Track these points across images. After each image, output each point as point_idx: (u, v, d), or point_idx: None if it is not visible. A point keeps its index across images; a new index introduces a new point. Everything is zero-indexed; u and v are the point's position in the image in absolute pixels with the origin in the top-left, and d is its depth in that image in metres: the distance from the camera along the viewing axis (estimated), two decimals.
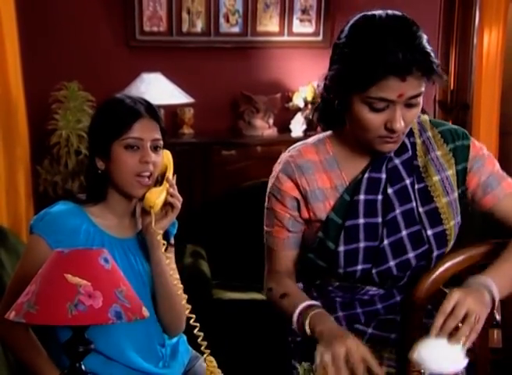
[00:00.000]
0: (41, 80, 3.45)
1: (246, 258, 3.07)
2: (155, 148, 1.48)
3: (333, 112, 1.35)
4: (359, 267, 1.34)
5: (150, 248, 1.50)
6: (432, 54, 1.24)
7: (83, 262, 1.11)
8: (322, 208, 1.36)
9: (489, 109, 3.83)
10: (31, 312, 1.07)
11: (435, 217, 1.35)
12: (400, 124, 1.25)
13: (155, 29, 3.66)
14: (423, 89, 1.25)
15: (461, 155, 1.38)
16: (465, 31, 3.83)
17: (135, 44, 3.65)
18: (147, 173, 1.45)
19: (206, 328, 1.45)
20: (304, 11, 3.77)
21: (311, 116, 1.50)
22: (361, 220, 1.34)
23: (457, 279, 1.37)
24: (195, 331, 1.39)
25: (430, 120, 1.41)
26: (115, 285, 1.11)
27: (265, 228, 1.45)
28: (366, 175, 1.35)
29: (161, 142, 1.50)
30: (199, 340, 1.38)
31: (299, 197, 1.37)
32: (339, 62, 1.28)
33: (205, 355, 1.40)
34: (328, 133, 1.41)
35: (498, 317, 1.44)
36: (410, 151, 1.36)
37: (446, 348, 1.17)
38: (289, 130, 3.75)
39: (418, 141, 1.38)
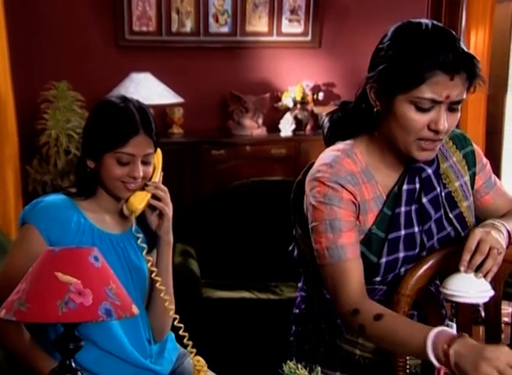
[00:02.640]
0: (30, 79, 3.44)
1: (235, 258, 3.09)
2: (146, 161, 1.49)
3: (361, 119, 1.35)
4: (394, 273, 1.37)
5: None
6: (478, 64, 1.27)
7: (74, 260, 1.12)
8: (366, 220, 1.35)
9: (476, 109, 3.86)
10: (22, 310, 1.08)
11: (462, 221, 1.40)
12: (444, 125, 1.26)
13: (144, 29, 3.66)
14: (465, 96, 1.28)
15: (471, 160, 1.44)
16: None
17: (124, 43, 3.65)
18: (134, 185, 1.47)
19: (195, 327, 1.46)
20: (293, 11, 3.79)
21: (324, 128, 1.43)
22: (402, 232, 1.35)
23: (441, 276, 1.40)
24: (180, 332, 1.40)
25: None
26: (105, 283, 1.12)
27: (325, 245, 1.31)
28: (405, 187, 1.35)
29: (153, 153, 1.51)
30: (185, 340, 1.40)
31: (356, 203, 1.33)
32: (385, 62, 1.27)
33: (192, 355, 1.41)
34: (351, 142, 1.38)
35: (483, 314, 1.47)
36: (435, 161, 1.39)
37: (473, 280, 1.27)
38: (278, 130, 3.77)
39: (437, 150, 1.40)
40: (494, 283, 1.41)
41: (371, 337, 1.28)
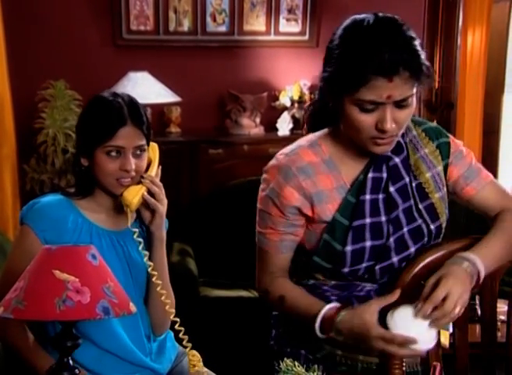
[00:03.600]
0: (28, 78, 3.44)
1: (232, 256, 3.09)
2: (138, 153, 1.49)
3: (327, 112, 1.37)
4: (364, 265, 1.36)
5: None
6: (422, 55, 1.26)
7: (71, 258, 1.12)
8: (326, 210, 1.35)
9: (473, 108, 3.87)
10: (19, 308, 1.08)
11: (432, 212, 1.40)
12: (389, 125, 1.26)
13: (142, 28, 3.66)
14: (413, 91, 1.27)
15: (444, 151, 1.43)
16: (449, 32, 3.87)
17: (122, 43, 3.65)
18: (127, 179, 1.47)
19: (193, 325, 1.47)
20: (291, 10, 3.79)
21: (302, 117, 1.48)
22: (368, 220, 1.35)
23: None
24: (176, 326, 1.41)
25: (412, 119, 1.42)
26: (103, 281, 1.13)
27: (258, 228, 1.42)
28: (370, 175, 1.36)
29: (145, 146, 1.50)
30: (180, 334, 1.40)
31: (301, 202, 1.35)
32: (331, 64, 1.30)
33: (187, 349, 1.41)
34: (318, 134, 1.41)
35: (479, 312, 1.47)
36: (405, 151, 1.39)
37: (424, 327, 1.26)
38: (276, 129, 3.77)
39: (407, 140, 1.41)
40: (491, 281, 1.42)
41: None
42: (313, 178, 1.35)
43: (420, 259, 1.37)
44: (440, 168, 1.42)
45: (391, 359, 1.34)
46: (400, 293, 1.32)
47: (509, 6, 3.88)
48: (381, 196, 1.37)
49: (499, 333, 1.60)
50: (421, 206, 1.39)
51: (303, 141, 1.41)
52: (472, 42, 3.82)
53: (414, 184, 1.39)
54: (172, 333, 1.65)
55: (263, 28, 3.77)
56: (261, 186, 1.40)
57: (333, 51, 1.30)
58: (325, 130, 1.41)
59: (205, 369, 1.45)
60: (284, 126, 3.75)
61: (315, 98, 1.46)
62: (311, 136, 1.41)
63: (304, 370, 1.18)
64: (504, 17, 3.97)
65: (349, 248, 1.34)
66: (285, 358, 1.33)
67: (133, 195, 1.47)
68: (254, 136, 3.66)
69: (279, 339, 1.48)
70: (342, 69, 1.26)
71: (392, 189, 1.36)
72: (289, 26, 3.80)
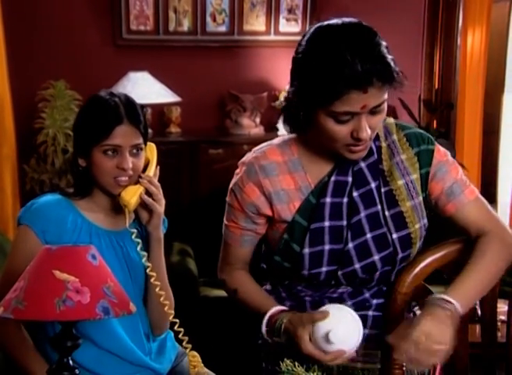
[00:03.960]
0: (28, 78, 3.44)
1: None
2: (135, 152, 1.48)
3: (297, 118, 1.35)
4: (323, 269, 1.35)
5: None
6: (392, 62, 1.23)
7: (71, 258, 1.12)
8: (287, 210, 1.35)
9: (473, 109, 3.87)
10: (19, 308, 1.08)
11: (400, 221, 1.35)
12: (366, 133, 1.25)
13: (142, 28, 3.66)
14: (385, 97, 1.25)
15: (425, 159, 1.37)
16: (449, 32, 3.87)
17: (122, 42, 3.65)
18: (125, 178, 1.47)
19: (193, 325, 1.47)
20: (290, 10, 3.79)
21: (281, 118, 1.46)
22: (327, 223, 1.34)
23: (438, 273, 1.40)
24: (175, 327, 1.41)
25: (396, 123, 1.40)
26: (103, 281, 1.13)
27: (224, 220, 1.46)
28: (333, 178, 1.34)
29: (142, 145, 1.50)
30: (180, 335, 1.40)
31: (260, 200, 1.36)
32: (299, 78, 1.28)
33: (188, 350, 1.41)
34: (294, 135, 1.40)
35: (479, 312, 1.48)
36: (375, 155, 1.36)
37: (358, 329, 1.28)
38: (276, 129, 3.77)
39: (384, 145, 1.37)
40: None
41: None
42: (274, 177, 1.35)
43: (420, 260, 1.37)
44: (416, 176, 1.37)
45: (392, 359, 1.34)
46: (402, 293, 1.33)
47: (509, 6, 3.88)
48: (345, 200, 1.34)
49: (499, 334, 1.60)
50: (387, 213, 1.35)
51: (276, 139, 1.42)
52: (472, 42, 3.82)
53: (382, 190, 1.35)
54: (172, 333, 1.65)
55: (263, 28, 3.77)
56: (232, 179, 1.43)
57: (301, 63, 1.27)
58: (300, 134, 1.39)
59: (206, 370, 1.45)
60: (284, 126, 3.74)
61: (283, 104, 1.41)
62: (287, 136, 1.42)
63: (303, 370, 1.18)
64: (504, 17, 3.97)
65: (306, 250, 1.33)
66: (285, 359, 1.33)
67: (131, 195, 1.47)
68: (254, 136, 3.66)
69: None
70: (313, 83, 1.23)
71: (355, 194, 1.34)
72: (289, 26, 3.80)
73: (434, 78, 3.94)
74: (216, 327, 2.80)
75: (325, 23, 1.29)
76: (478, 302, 1.49)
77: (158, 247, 1.54)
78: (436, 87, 3.95)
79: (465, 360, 1.41)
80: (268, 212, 1.37)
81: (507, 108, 4.07)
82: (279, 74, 3.80)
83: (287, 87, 1.34)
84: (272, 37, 3.78)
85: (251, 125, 3.68)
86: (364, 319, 1.36)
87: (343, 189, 1.35)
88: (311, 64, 1.25)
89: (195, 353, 1.43)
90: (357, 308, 1.36)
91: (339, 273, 1.35)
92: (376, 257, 1.35)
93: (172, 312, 1.47)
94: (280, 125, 3.79)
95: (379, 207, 1.34)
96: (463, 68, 3.86)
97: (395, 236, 1.35)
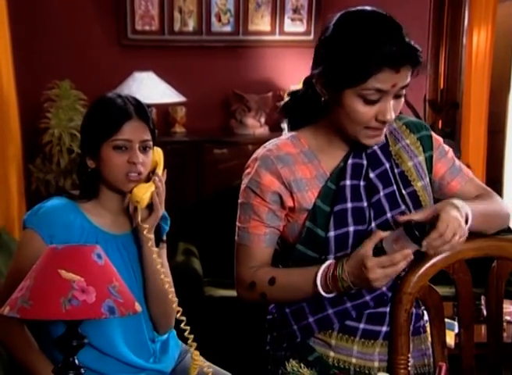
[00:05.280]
0: (33, 78, 3.45)
1: None
2: (144, 149, 1.49)
3: (306, 107, 1.38)
4: (349, 251, 1.35)
5: (141, 243, 1.52)
6: (418, 50, 1.29)
7: (77, 258, 1.12)
8: (307, 198, 1.36)
9: (478, 108, 3.86)
10: (25, 307, 1.09)
11: (416, 199, 1.40)
12: (391, 115, 1.29)
13: (147, 28, 3.67)
14: (409, 80, 1.30)
15: (427, 143, 1.44)
16: (455, 31, 3.86)
17: (127, 42, 3.66)
18: (136, 174, 1.47)
19: (198, 325, 1.46)
20: (296, 10, 3.79)
21: (280, 113, 1.49)
22: (349, 204, 1.36)
23: (444, 274, 1.40)
24: (182, 325, 1.41)
25: None
26: (108, 280, 1.13)
27: (239, 224, 1.42)
28: (350, 161, 1.37)
29: (151, 142, 1.51)
30: (186, 333, 1.40)
31: (280, 189, 1.36)
32: (330, 58, 1.30)
33: (192, 348, 1.41)
34: (297, 131, 1.42)
35: (485, 313, 1.47)
36: (384, 139, 1.40)
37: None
38: (281, 129, 3.76)
39: (387, 132, 1.42)
40: (496, 281, 1.41)
41: (274, 299, 1.40)
42: (291, 167, 1.36)
43: (425, 260, 1.36)
44: (422, 158, 1.43)
45: (397, 358, 1.34)
46: (407, 292, 1.33)
47: None
48: (362, 183, 1.38)
49: (504, 334, 1.60)
50: (404, 192, 1.39)
51: (282, 136, 1.44)
52: (478, 41, 3.81)
53: (396, 171, 1.40)
54: (174, 332, 1.65)
55: (268, 28, 3.77)
56: (242, 181, 1.42)
57: (331, 44, 1.30)
58: (304, 129, 1.42)
59: (211, 369, 1.45)
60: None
61: (292, 94, 1.45)
62: (289, 133, 1.43)
63: (309, 371, 1.18)
64: (510, 16, 3.96)
65: (332, 233, 1.34)
66: (290, 359, 1.33)
67: (144, 192, 1.48)
68: (259, 136, 3.66)
69: (274, 343, 1.46)
70: (348, 60, 1.26)
71: (372, 175, 1.38)
72: (294, 26, 3.80)
73: (439, 78, 3.93)
74: (221, 327, 2.80)
75: (352, 9, 1.33)
76: (483, 303, 1.48)
77: (147, 246, 1.52)
78: (442, 86, 3.94)
79: (471, 361, 1.41)
80: (290, 202, 1.37)
81: None
82: (284, 74, 3.80)
83: (294, 86, 1.36)
84: (277, 37, 3.78)
85: (256, 125, 3.68)
86: (382, 316, 1.38)
87: (359, 171, 1.38)
88: (344, 42, 1.27)
89: (197, 352, 1.42)
90: (375, 303, 1.37)
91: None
92: None
93: (180, 308, 1.47)
94: (285, 125, 3.78)
95: (395, 187, 1.39)
96: (468, 67, 3.85)
97: (409, 213, 1.38)
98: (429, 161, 1.43)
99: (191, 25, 3.70)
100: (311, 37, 3.80)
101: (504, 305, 1.45)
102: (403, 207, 1.38)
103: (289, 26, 3.79)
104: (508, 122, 4.11)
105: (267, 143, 1.42)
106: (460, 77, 3.89)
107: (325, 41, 1.32)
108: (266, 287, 1.38)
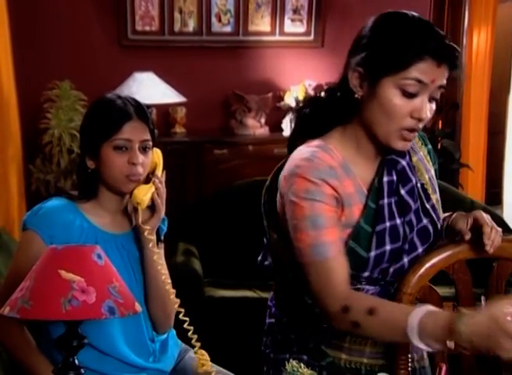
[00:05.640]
0: (33, 79, 3.45)
1: (237, 257, 3.09)
2: (144, 149, 1.50)
3: (332, 111, 1.35)
4: (380, 268, 1.35)
5: (141, 244, 1.53)
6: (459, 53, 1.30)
7: (77, 258, 1.12)
8: (352, 214, 1.33)
9: (478, 109, 3.87)
10: (25, 308, 1.09)
11: (436, 212, 1.41)
12: (426, 114, 1.28)
13: (147, 28, 3.67)
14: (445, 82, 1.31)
15: (433, 157, 1.46)
16: (455, 32, 3.86)
17: (127, 43, 3.66)
18: (135, 175, 1.48)
19: (198, 325, 1.46)
20: (296, 11, 3.79)
21: (294, 124, 1.44)
22: (387, 223, 1.35)
23: (443, 275, 1.40)
24: (185, 325, 1.40)
25: None
26: (108, 281, 1.13)
27: (308, 241, 1.28)
28: (385, 179, 1.35)
29: (150, 143, 1.51)
30: (189, 333, 1.40)
31: (337, 200, 1.31)
32: (374, 44, 1.28)
33: (196, 349, 1.41)
34: (322, 140, 1.35)
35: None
36: (407, 153, 1.40)
37: None
38: (281, 130, 3.77)
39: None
40: (497, 282, 1.41)
41: (368, 332, 1.26)
42: (338, 180, 1.30)
43: (425, 260, 1.37)
44: (433, 171, 1.44)
45: (397, 359, 1.34)
46: (407, 293, 1.32)
47: None
48: (393, 199, 1.36)
49: None
50: (428, 205, 1.39)
51: (309, 147, 1.33)
52: (478, 42, 3.81)
53: (418, 185, 1.40)
54: (174, 331, 1.65)
55: (268, 28, 3.77)
56: (290, 196, 1.29)
57: (371, 36, 1.29)
58: (329, 135, 1.37)
59: (214, 369, 1.45)
60: (289, 126, 3.74)
61: (312, 100, 1.42)
62: (314, 142, 1.35)
63: (310, 371, 1.18)
64: (510, 17, 3.96)
65: (372, 253, 1.32)
66: (290, 360, 1.32)
67: (144, 193, 1.48)
68: (259, 136, 3.67)
69: (279, 346, 1.45)
70: (389, 48, 1.25)
71: (403, 191, 1.36)
72: (294, 27, 3.80)
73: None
74: (221, 328, 2.80)
75: (389, 11, 1.32)
76: (483, 303, 1.48)
77: (148, 247, 1.51)
78: None
79: (471, 361, 1.41)
80: (341, 216, 1.31)
81: None
82: (284, 74, 3.80)
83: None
84: (277, 37, 3.78)
85: (256, 125, 3.69)
86: None
87: (392, 188, 1.37)
88: (391, 30, 1.27)
89: (203, 352, 1.42)
90: None
91: (391, 269, 1.35)
92: (420, 249, 1.38)
93: (182, 309, 1.47)
94: (285, 125, 3.79)
95: (419, 201, 1.39)
96: (468, 68, 3.85)
97: (430, 227, 1.39)
98: (436, 174, 1.44)
99: (191, 25, 3.70)
100: (311, 37, 3.80)
101: None
102: (425, 221, 1.38)
103: (289, 26, 3.79)
104: (508, 123, 4.11)
105: (301, 155, 1.32)
106: (460, 78, 3.89)
107: (363, 35, 1.31)
108: (363, 316, 1.23)
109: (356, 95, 1.31)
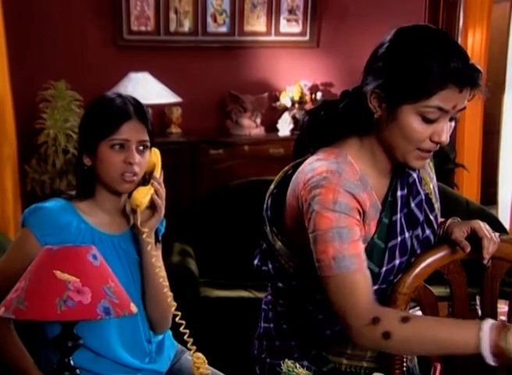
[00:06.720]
0: (29, 79, 3.45)
1: (233, 257, 3.09)
2: (141, 149, 1.50)
3: (347, 121, 1.31)
4: (388, 279, 1.35)
5: (140, 247, 1.53)
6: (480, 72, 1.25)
7: (72, 258, 1.13)
8: (370, 229, 1.32)
9: (473, 109, 3.87)
10: (20, 308, 1.09)
11: (437, 222, 1.41)
12: (446, 137, 1.25)
13: (143, 28, 3.67)
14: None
15: (432, 167, 1.46)
16: (450, 32, 3.87)
17: (123, 43, 3.66)
18: (132, 174, 1.48)
19: (193, 326, 1.46)
20: (291, 11, 3.79)
21: (304, 125, 1.38)
22: (399, 238, 1.34)
23: (438, 275, 1.40)
24: (181, 328, 1.40)
25: None
26: (104, 281, 1.13)
27: (332, 254, 1.23)
28: (399, 193, 1.34)
29: (148, 143, 1.51)
30: (185, 337, 1.40)
31: (360, 214, 1.28)
32: (392, 70, 1.23)
33: (192, 351, 1.41)
34: (340, 148, 1.32)
35: (479, 313, 1.48)
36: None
37: None
38: (277, 130, 3.78)
39: None
40: (491, 281, 1.42)
41: (401, 341, 1.20)
42: (361, 195, 1.27)
43: (420, 260, 1.37)
44: (435, 180, 1.44)
45: (393, 359, 1.34)
46: (402, 293, 1.33)
47: (509, 6, 3.88)
48: (403, 213, 1.35)
49: None
50: (431, 217, 1.39)
51: (331, 158, 1.29)
52: (473, 42, 3.82)
53: (423, 196, 1.38)
54: (170, 332, 1.65)
55: (264, 29, 3.77)
56: (315, 206, 1.25)
57: (390, 56, 1.24)
58: (347, 143, 1.33)
59: (209, 371, 1.44)
60: (285, 126, 3.75)
61: (326, 105, 1.37)
62: (334, 150, 1.32)
63: (305, 371, 1.18)
64: (505, 17, 3.97)
65: (384, 268, 1.32)
66: (286, 360, 1.32)
67: (143, 195, 1.48)
68: (255, 136, 3.67)
69: (277, 352, 1.44)
70: (411, 75, 1.20)
71: (412, 205, 1.35)
72: (289, 27, 3.80)
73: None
74: (217, 328, 2.80)
75: (407, 25, 1.26)
76: (478, 303, 1.48)
77: (146, 250, 1.51)
78: None
79: (466, 360, 1.41)
80: (362, 230, 1.28)
81: (508, 108, 4.07)
82: (280, 75, 3.81)
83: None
84: (273, 37, 3.79)
85: (252, 125, 3.69)
86: None
87: (404, 202, 1.35)
88: (410, 55, 1.22)
89: (200, 355, 1.42)
90: None
91: (395, 280, 1.36)
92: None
93: (179, 313, 1.47)
94: (280, 126, 3.79)
95: (424, 213, 1.38)
96: None
97: (432, 237, 1.39)
98: (436, 185, 1.44)
99: (187, 25, 3.70)
100: (307, 37, 3.81)
101: (499, 305, 1.46)
102: (427, 232, 1.38)
103: (285, 26, 3.79)
104: (503, 122, 4.12)
105: (328, 166, 1.27)
106: None
107: (385, 53, 1.25)
108: (396, 325, 1.19)
109: (375, 115, 1.27)
